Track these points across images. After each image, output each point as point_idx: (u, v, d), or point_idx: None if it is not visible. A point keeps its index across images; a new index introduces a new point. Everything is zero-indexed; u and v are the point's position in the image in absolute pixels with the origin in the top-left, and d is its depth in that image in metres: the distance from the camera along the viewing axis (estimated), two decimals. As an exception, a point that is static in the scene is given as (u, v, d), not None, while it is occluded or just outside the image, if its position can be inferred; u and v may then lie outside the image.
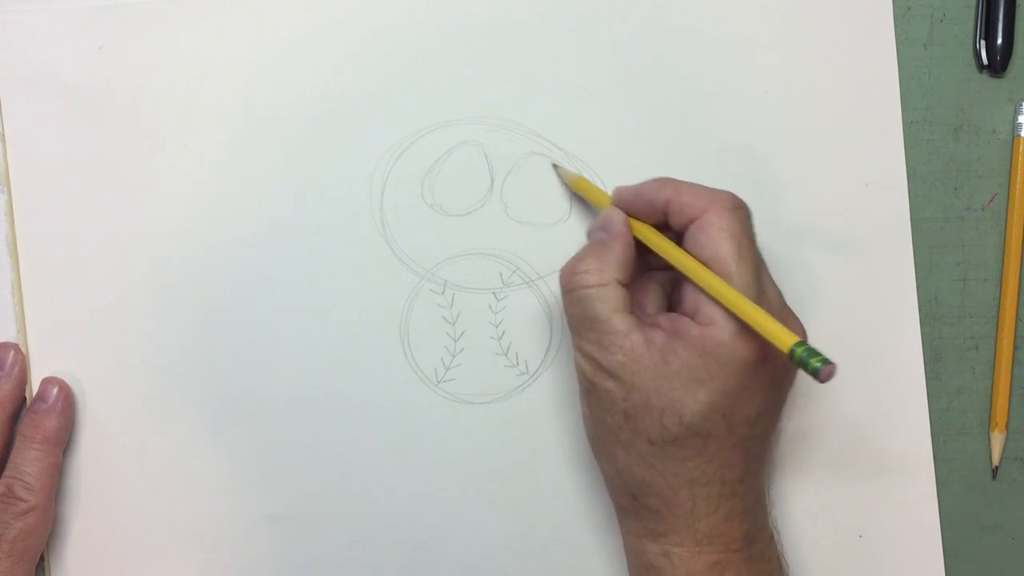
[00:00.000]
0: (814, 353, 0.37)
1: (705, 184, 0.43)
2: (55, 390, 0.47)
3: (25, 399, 0.48)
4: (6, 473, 0.46)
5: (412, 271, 0.49)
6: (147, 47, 0.49)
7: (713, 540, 0.41)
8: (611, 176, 0.49)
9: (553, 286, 0.49)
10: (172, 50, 0.49)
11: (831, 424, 0.49)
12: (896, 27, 0.50)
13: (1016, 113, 0.50)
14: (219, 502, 0.49)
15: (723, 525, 0.41)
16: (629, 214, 0.44)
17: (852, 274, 0.49)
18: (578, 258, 0.43)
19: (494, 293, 0.49)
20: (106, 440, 0.49)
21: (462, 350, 0.49)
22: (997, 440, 0.50)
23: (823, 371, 0.37)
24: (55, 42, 0.49)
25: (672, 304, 0.45)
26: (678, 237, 0.43)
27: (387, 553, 0.49)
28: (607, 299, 0.42)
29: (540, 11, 0.49)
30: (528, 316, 0.49)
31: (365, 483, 0.49)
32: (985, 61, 0.50)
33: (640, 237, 0.44)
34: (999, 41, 0.50)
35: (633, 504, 0.42)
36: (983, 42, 0.50)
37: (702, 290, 0.41)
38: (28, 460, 0.46)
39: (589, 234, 0.46)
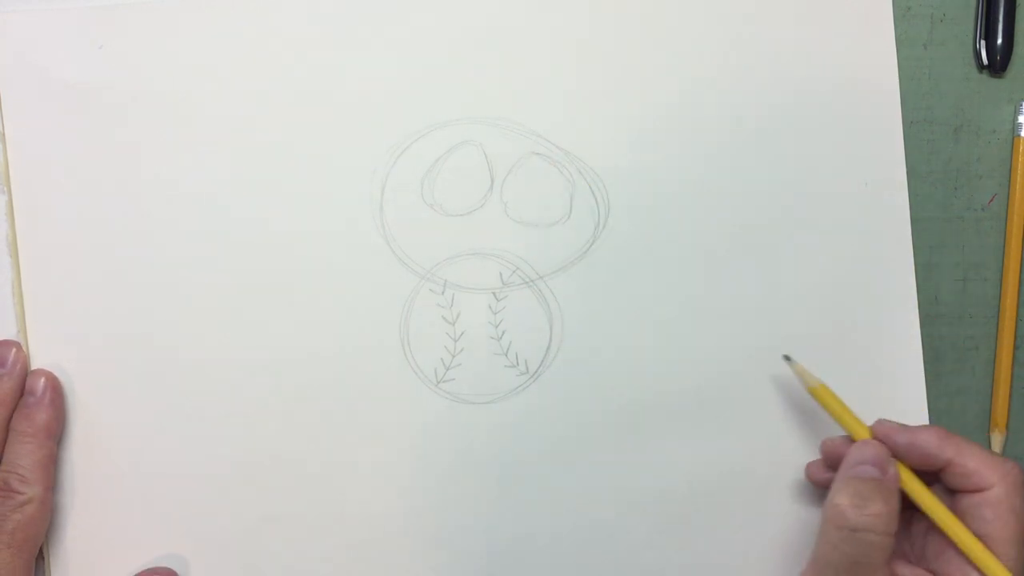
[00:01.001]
0: None
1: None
2: (42, 382, 0.48)
3: (26, 398, 0.48)
4: (1, 467, 0.46)
5: (412, 271, 0.49)
6: (147, 47, 0.49)
7: None
8: (612, 176, 0.49)
9: (553, 286, 0.49)
10: (172, 50, 0.49)
11: (830, 424, 0.49)
12: (896, 27, 0.50)
13: (1016, 113, 0.50)
14: (219, 502, 0.49)
15: None
16: (891, 452, 0.43)
17: (852, 274, 0.49)
18: (863, 496, 0.41)
19: (494, 293, 0.49)
20: (106, 437, 0.49)
21: (462, 350, 0.49)
22: (997, 440, 0.50)
23: None
24: (55, 42, 0.49)
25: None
26: (935, 484, 0.43)
27: (386, 553, 0.49)
28: (887, 551, 0.40)
29: (540, 11, 0.49)
30: (528, 316, 0.49)
31: (365, 483, 0.49)
32: (985, 61, 0.50)
33: (908, 490, 0.43)
34: (999, 41, 0.50)
35: None
36: (983, 42, 0.50)
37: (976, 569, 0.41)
38: (22, 453, 0.46)
39: (852, 459, 0.43)
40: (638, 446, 0.49)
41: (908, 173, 0.50)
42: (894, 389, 0.49)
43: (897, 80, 0.50)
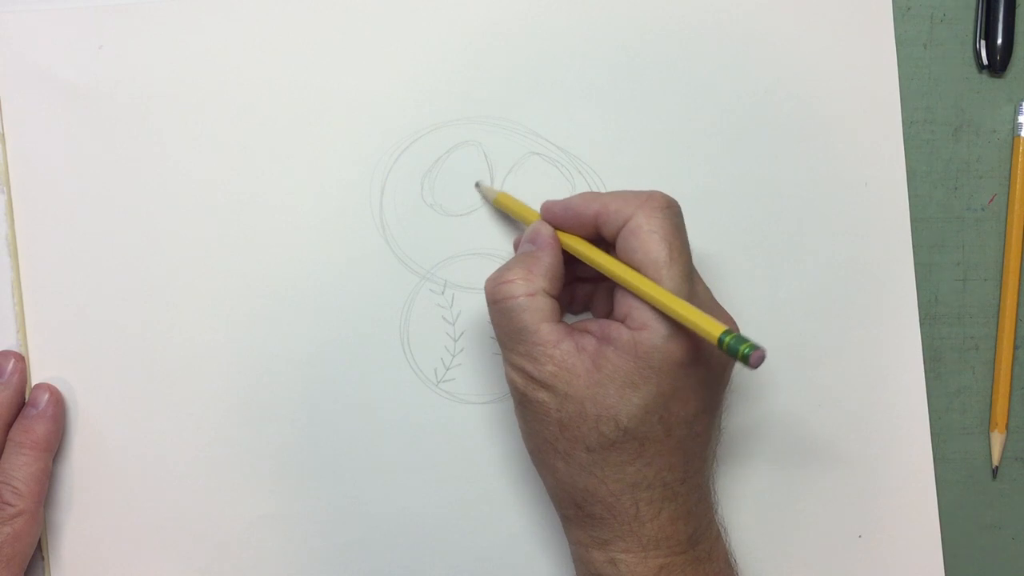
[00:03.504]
0: (742, 340, 0.37)
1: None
2: (46, 396, 0.47)
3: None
4: None
5: (412, 271, 0.49)
6: (147, 47, 0.49)
7: (659, 544, 0.41)
8: (611, 176, 0.49)
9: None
10: (172, 50, 0.49)
11: (830, 424, 0.49)
12: (896, 27, 0.50)
13: (1016, 113, 0.50)
14: (219, 502, 0.49)
15: (668, 528, 0.41)
16: (559, 229, 0.44)
17: (852, 274, 0.49)
18: (504, 268, 0.43)
19: (494, 293, 0.49)
20: (105, 440, 0.49)
21: (462, 350, 0.49)
22: (997, 440, 0.50)
23: (752, 356, 0.36)
24: (55, 42, 0.49)
25: (604, 313, 0.45)
26: (613, 249, 0.42)
27: (387, 553, 0.49)
28: (535, 309, 0.41)
29: (540, 11, 0.49)
30: (528, 316, 0.49)
31: (365, 483, 0.49)
32: (985, 61, 0.50)
33: (568, 249, 0.44)
34: (999, 41, 0.50)
35: (577, 514, 0.42)
36: (983, 42, 0.50)
37: (631, 293, 0.40)
38: (17, 465, 0.46)
39: (516, 247, 0.46)
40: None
41: (908, 173, 0.50)
42: (894, 389, 0.49)
43: (897, 80, 0.50)
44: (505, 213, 0.48)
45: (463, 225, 0.49)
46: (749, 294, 0.49)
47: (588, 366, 0.40)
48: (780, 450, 0.49)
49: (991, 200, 0.50)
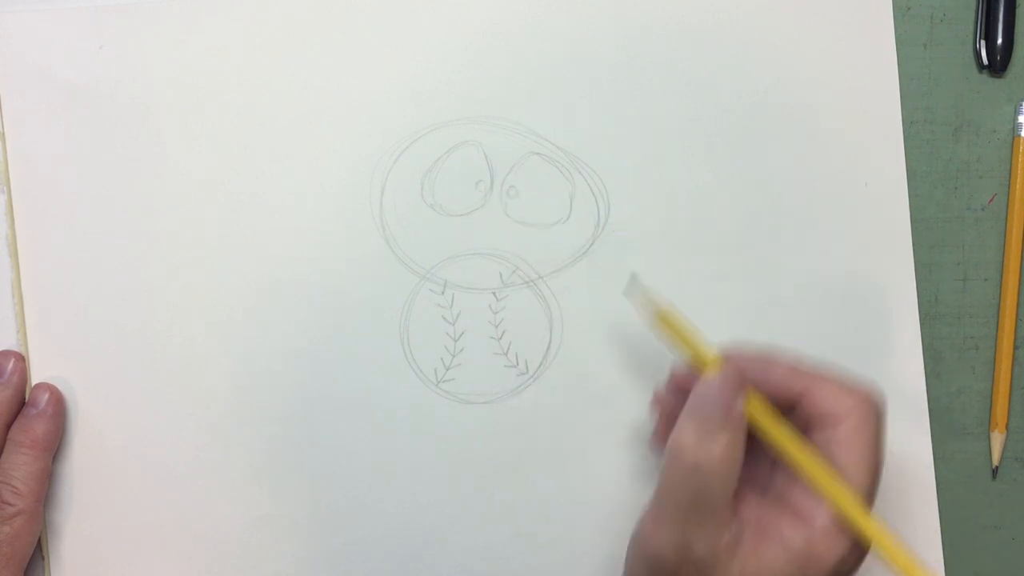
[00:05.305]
0: None
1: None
2: (46, 395, 0.47)
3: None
4: None
5: (412, 271, 0.49)
6: (147, 47, 0.49)
7: None
8: (611, 176, 0.49)
9: (553, 286, 0.49)
10: (172, 50, 0.49)
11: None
12: (896, 27, 0.50)
13: (1016, 113, 0.50)
14: (219, 502, 0.49)
15: None
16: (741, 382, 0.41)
17: (852, 274, 0.49)
18: (706, 433, 0.39)
19: (494, 293, 0.49)
20: (105, 440, 0.49)
21: (462, 350, 0.49)
22: (997, 440, 0.50)
23: None
24: (55, 42, 0.49)
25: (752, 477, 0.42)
26: (790, 414, 0.41)
27: (386, 553, 0.49)
28: (730, 488, 0.39)
29: (540, 11, 0.49)
30: (528, 316, 0.49)
31: (364, 483, 0.49)
32: (985, 61, 0.50)
33: (756, 425, 0.40)
34: (999, 41, 0.50)
35: None
36: (983, 42, 0.50)
37: (828, 501, 0.39)
38: (17, 464, 0.46)
39: (697, 394, 0.41)
40: (639, 446, 0.49)
41: (908, 173, 0.50)
42: (894, 389, 0.49)
43: (897, 80, 0.50)
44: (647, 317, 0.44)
45: (463, 225, 0.49)
46: (749, 294, 0.49)
47: (748, 552, 0.39)
48: (780, 450, 0.49)
49: (991, 200, 0.50)
